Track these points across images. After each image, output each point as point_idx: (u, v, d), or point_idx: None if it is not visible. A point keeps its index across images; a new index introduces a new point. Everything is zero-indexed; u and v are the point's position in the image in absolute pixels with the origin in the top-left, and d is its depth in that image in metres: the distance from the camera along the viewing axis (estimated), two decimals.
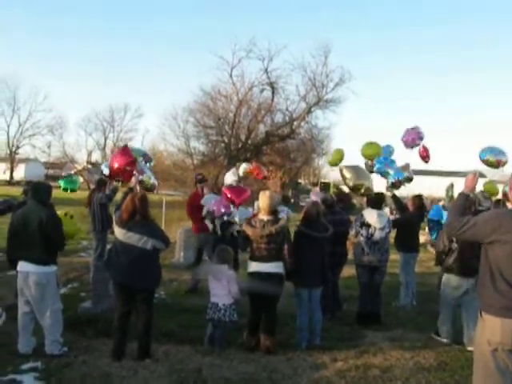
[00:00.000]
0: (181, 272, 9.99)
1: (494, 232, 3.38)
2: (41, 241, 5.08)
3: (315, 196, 9.45)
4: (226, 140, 36.80)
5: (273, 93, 36.58)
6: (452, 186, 12.21)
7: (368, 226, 6.86)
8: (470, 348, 5.93)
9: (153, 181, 7.17)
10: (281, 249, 5.56)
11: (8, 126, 71.09)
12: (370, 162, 8.37)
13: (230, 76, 36.49)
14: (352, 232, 7.08)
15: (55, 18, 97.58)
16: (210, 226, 7.96)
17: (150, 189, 7.37)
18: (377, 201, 7.16)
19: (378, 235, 6.86)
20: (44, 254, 5.12)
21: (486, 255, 3.49)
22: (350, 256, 7.46)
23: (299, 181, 56.92)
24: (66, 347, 5.31)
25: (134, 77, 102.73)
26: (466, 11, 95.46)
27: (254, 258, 5.59)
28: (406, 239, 7.98)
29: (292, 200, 50.10)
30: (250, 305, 5.71)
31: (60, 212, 6.45)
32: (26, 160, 78.34)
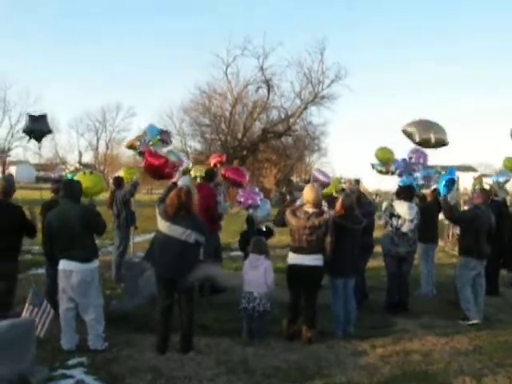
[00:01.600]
0: None
1: None
2: (83, 237, 5.12)
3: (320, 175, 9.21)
4: (222, 138, 37.06)
5: (268, 90, 36.82)
6: (481, 179, 12.04)
7: (398, 217, 6.96)
8: (475, 321, 6.46)
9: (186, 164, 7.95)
10: (322, 241, 5.63)
11: None
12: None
13: (225, 74, 36.89)
14: (381, 222, 7.19)
15: (42, 17, 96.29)
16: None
17: (187, 172, 8.02)
18: (408, 193, 7.27)
19: (407, 227, 6.99)
20: (87, 251, 5.16)
21: None
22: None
23: (291, 178, 57.11)
24: (106, 342, 5.36)
25: (127, 76, 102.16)
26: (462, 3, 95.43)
27: (294, 250, 5.68)
28: (426, 230, 8.08)
29: (288, 197, 50.35)
30: (290, 294, 5.81)
31: (79, 174, 6.46)
32: (17, 162, 78.05)
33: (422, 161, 8.51)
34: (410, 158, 8.53)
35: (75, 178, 6.34)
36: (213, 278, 5.83)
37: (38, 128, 9.13)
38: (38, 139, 9.35)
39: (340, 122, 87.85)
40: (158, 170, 7.48)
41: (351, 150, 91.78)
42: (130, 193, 8.78)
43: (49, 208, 6.07)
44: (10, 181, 5.82)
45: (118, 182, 9.31)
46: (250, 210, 8.21)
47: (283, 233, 8.57)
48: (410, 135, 8.05)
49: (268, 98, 37.00)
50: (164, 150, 8.11)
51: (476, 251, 6.74)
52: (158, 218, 5.20)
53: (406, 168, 8.55)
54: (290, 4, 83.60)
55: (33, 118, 9.14)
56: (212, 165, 9.63)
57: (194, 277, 5.14)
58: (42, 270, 9.32)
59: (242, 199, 8.32)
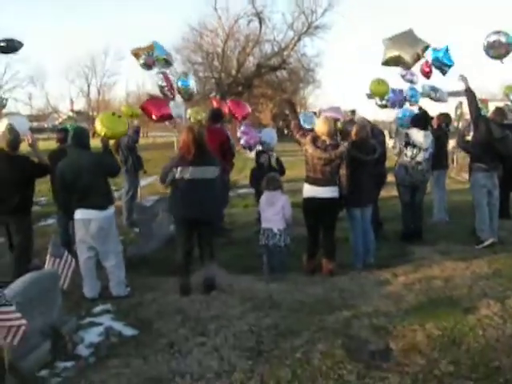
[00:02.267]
0: None
1: None
2: (98, 185, 5.06)
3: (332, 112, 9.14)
4: (216, 75, 36.06)
5: (260, 23, 35.62)
6: (461, 104, 12.27)
7: (413, 146, 6.84)
8: (490, 241, 6.49)
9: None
10: (337, 173, 5.61)
11: None
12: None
13: (215, 9, 35.49)
14: (395, 151, 7.08)
15: None
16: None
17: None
18: (423, 121, 7.13)
19: (421, 156, 6.90)
20: (103, 198, 5.11)
21: None
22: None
23: (286, 112, 56.34)
24: (129, 288, 5.38)
25: (113, 17, 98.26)
26: None
27: (310, 181, 5.64)
28: (437, 156, 8.00)
29: (286, 132, 50.07)
30: (308, 228, 5.81)
31: (108, 113, 6.24)
32: (7, 114, 76.54)
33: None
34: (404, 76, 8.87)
35: (100, 116, 5.83)
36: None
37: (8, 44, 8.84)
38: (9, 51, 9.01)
39: (334, 53, 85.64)
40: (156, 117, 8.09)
41: (346, 81, 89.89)
42: (132, 140, 8.70)
43: (55, 158, 5.95)
44: (16, 133, 5.66)
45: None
46: (259, 147, 8.08)
47: (288, 167, 8.48)
48: (396, 61, 7.97)
49: (260, 32, 35.84)
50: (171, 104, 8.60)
51: (484, 163, 6.64)
52: (178, 167, 5.01)
53: (400, 99, 8.58)
54: None
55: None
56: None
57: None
58: (51, 221, 9.34)
59: (245, 138, 8.20)
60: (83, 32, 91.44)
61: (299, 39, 36.88)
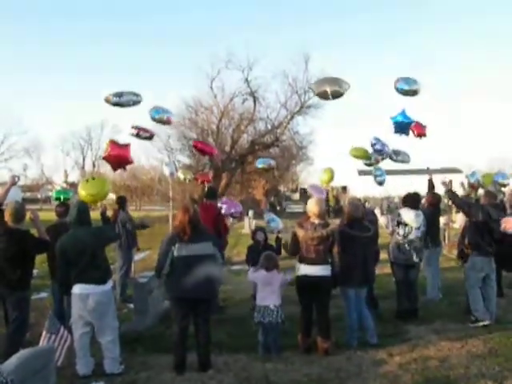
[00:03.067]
0: None
1: None
2: (98, 259, 5.12)
3: (314, 191, 9.72)
4: None
5: (254, 102, 36.61)
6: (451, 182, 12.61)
7: (405, 225, 7.03)
8: (485, 322, 6.52)
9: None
10: (330, 251, 5.72)
11: None
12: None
13: (211, 88, 36.57)
14: (388, 230, 7.25)
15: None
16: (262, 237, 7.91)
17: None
18: (414, 201, 7.38)
19: (414, 234, 7.08)
20: (102, 273, 5.14)
21: None
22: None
23: (279, 188, 57.18)
24: (122, 365, 5.31)
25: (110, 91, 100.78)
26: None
27: (303, 261, 5.70)
28: (428, 234, 8.14)
29: (278, 207, 50.60)
30: (302, 307, 5.84)
31: (82, 182, 6.91)
32: (2, 184, 77.27)
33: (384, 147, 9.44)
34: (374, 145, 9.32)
35: (79, 187, 6.59)
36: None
37: None
38: None
39: (326, 130, 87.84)
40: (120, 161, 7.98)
41: (338, 158, 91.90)
42: (133, 227, 9.04)
43: (55, 232, 6.01)
44: (21, 205, 5.64)
45: (122, 201, 9.34)
46: (270, 224, 8.26)
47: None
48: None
49: (254, 110, 36.93)
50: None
51: (483, 248, 6.78)
52: (173, 248, 5.09)
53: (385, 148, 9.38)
54: (272, 16, 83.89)
55: None
56: (199, 183, 10.36)
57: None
58: (44, 294, 9.24)
59: (225, 207, 8.43)
60: (81, 106, 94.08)
61: (292, 118, 37.87)
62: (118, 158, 7.85)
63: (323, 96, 8.05)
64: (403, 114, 8.98)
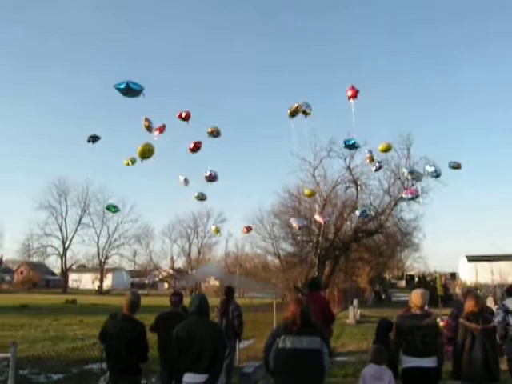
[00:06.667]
0: None
1: None
2: (211, 350, 5.18)
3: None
4: (314, 239, 36.62)
5: (357, 189, 36.57)
6: None
7: None
8: None
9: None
10: (434, 343, 5.62)
11: (98, 238, 76.86)
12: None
13: (313, 176, 37.02)
14: (497, 324, 6.88)
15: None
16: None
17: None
18: None
19: None
20: (211, 362, 5.27)
21: None
22: None
23: (384, 275, 55.28)
24: None
25: (217, 185, 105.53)
26: None
27: (408, 353, 5.65)
28: None
29: (383, 296, 48.70)
30: None
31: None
32: (113, 269, 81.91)
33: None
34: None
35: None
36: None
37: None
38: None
39: (433, 214, 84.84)
40: None
41: (445, 243, 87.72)
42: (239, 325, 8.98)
43: (168, 321, 6.32)
44: (138, 296, 6.08)
45: (230, 292, 9.44)
46: None
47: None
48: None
49: (357, 197, 36.87)
50: None
51: None
52: (282, 336, 5.14)
53: None
54: (371, 101, 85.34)
55: None
56: None
57: None
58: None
59: None
60: (188, 196, 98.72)
61: (396, 204, 37.24)
62: None
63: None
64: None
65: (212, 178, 13.23)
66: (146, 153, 10.61)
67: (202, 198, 14.33)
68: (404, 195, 16.47)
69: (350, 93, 11.66)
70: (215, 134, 12.68)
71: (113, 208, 15.34)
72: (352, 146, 13.21)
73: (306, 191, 14.37)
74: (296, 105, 11.73)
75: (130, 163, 11.96)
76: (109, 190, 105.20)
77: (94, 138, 11.82)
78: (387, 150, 14.49)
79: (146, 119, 11.51)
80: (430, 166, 10.92)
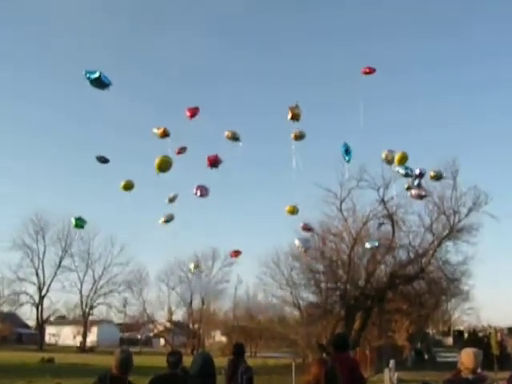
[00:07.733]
0: None
1: None
2: None
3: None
4: (341, 287, 32.73)
5: (393, 226, 32.08)
6: None
7: None
8: None
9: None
10: None
11: (81, 284, 66.58)
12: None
13: (340, 210, 32.64)
14: None
15: None
16: None
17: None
18: None
19: None
20: None
21: None
22: None
23: (426, 330, 50.07)
24: None
25: (223, 222, 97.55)
26: None
27: None
28: None
29: (426, 355, 42.86)
30: None
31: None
32: (99, 322, 71.82)
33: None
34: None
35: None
36: None
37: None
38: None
39: (485, 256, 77.21)
40: None
41: (501, 292, 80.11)
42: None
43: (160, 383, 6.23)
44: (130, 354, 5.64)
45: (240, 350, 8.82)
46: None
47: None
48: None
49: (393, 236, 32.34)
50: None
51: None
52: None
53: None
54: (410, 123, 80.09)
55: None
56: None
57: None
58: None
59: None
60: (189, 236, 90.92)
61: (440, 244, 32.60)
62: None
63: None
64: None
65: (203, 194, 12.70)
66: (164, 165, 10.82)
67: (169, 219, 13.40)
68: (413, 194, 14.22)
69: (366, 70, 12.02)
70: (234, 138, 12.64)
71: (80, 222, 14.10)
72: (347, 153, 12.68)
73: (287, 208, 12.35)
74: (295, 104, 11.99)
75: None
76: (94, 226, 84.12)
77: (102, 159, 11.90)
78: (403, 160, 12.69)
79: (158, 127, 11.68)
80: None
